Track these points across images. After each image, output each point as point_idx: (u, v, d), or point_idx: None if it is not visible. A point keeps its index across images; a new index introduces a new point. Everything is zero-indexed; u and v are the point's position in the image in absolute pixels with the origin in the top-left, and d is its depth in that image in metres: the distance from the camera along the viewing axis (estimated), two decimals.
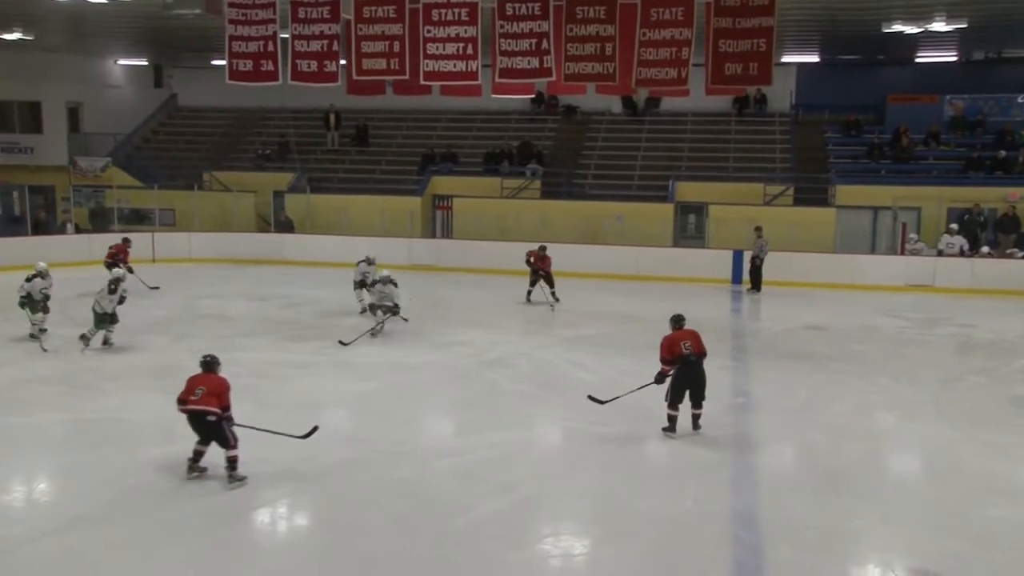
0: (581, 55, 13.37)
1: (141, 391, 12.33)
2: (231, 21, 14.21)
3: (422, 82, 13.93)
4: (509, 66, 13.61)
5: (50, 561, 7.73)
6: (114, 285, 14.11)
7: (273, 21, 14.09)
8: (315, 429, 10.07)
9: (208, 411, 9.19)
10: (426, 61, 13.70)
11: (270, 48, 14.18)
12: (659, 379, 10.60)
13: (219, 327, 16.26)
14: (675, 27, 13.09)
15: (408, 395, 12.55)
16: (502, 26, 13.50)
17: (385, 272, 15.75)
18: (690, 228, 24.08)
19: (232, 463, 9.27)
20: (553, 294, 18.14)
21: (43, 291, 14.67)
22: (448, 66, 13.59)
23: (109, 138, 27.99)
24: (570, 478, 9.71)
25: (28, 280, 14.73)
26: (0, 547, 7.91)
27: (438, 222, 25.24)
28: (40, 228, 24.40)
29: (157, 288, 19.12)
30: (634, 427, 11.07)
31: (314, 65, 14.09)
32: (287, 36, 14.31)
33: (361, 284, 17.15)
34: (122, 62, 29.39)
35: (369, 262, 17.04)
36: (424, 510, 8.75)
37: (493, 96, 14.94)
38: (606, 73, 13.46)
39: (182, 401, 9.35)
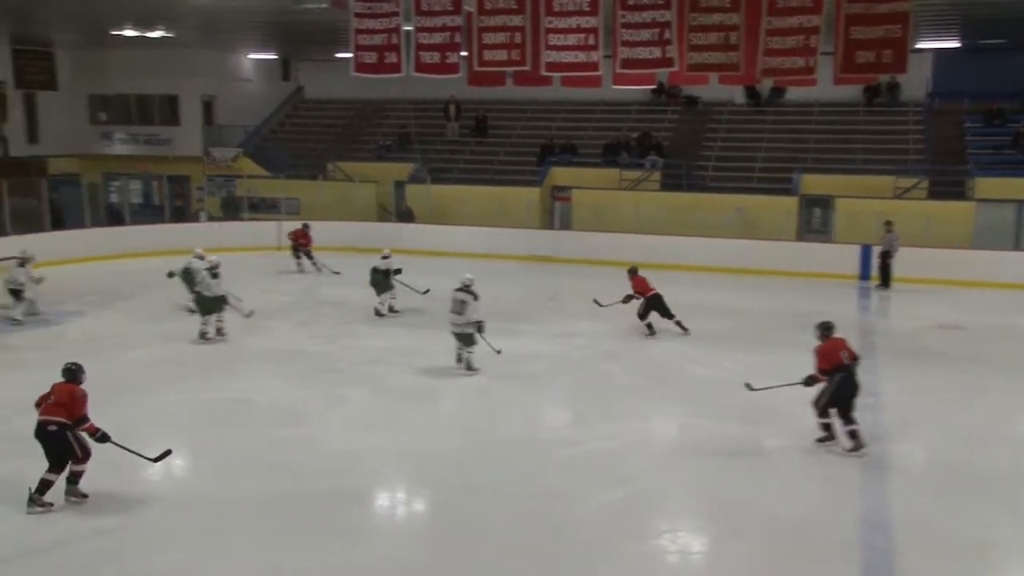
0: (705, 44, 13.10)
1: (266, 375, 12.77)
2: (357, 15, 14.51)
3: (543, 73, 13.90)
4: (630, 56, 13.46)
5: (179, 533, 8.09)
6: (216, 270, 14.49)
7: (397, 14, 14.31)
8: (168, 452, 9.11)
9: (51, 421, 8.46)
10: (547, 52, 13.67)
11: (394, 41, 14.40)
12: (809, 382, 10.14)
13: (339, 314, 16.69)
14: (804, 14, 12.67)
15: (524, 386, 12.60)
16: (624, 16, 13.36)
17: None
18: (815, 222, 23.31)
19: (75, 477, 8.54)
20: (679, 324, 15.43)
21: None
22: (569, 57, 13.54)
23: (240, 129, 29.06)
24: (687, 473, 9.57)
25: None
26: (138, 519, 8.33)
27: (556, 213, 25.21)
28: (176, 216, 25.57)
29: (338, 273, 19.77)
30: (754, 424, 10.82)
31: (436, 57, 14.25)
32: (410, 29, 14.52)
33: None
34: (253, 57, 30.44)
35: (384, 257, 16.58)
36: (541, 499, 8.78)
37: (613, 87, 14.77)
38: (730, 63, 13.15)
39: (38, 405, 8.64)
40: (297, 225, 21.34)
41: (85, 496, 8.56)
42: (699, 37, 13.13)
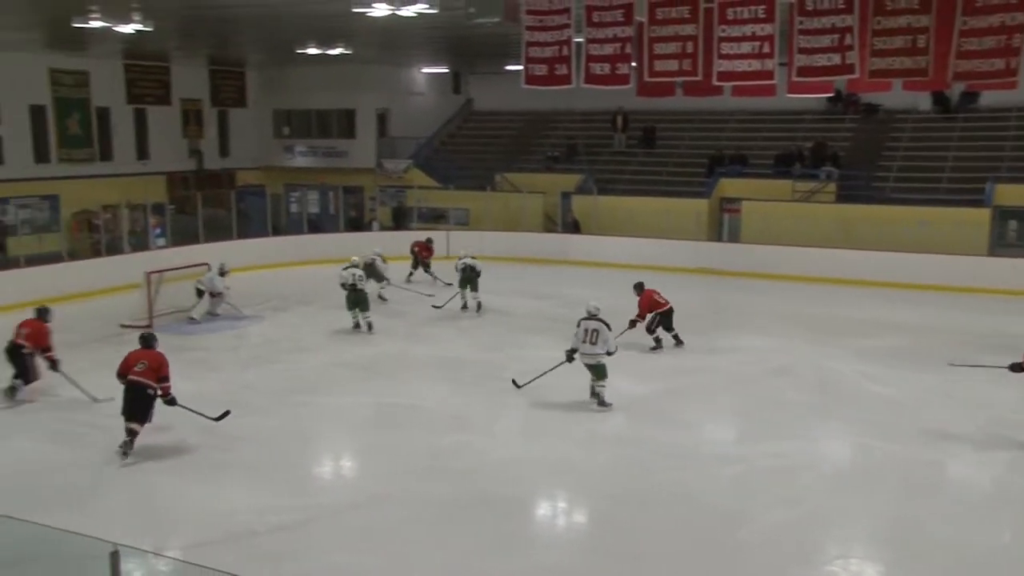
0: (889, 49, 12.45)
1: (431, 380, 13.07)
2: (528, 28, 14.66)
3: (715, 83, 13.60)
4: (808, 64, 12.97)
5: (351, 532, 8.38)
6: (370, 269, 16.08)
7: (568, 26, 14.35)
8: (227, 413, 10.61)
9: (148, 384, 9.93)
10: (719, 61, 13.37)
11: (564, 53, 14.45)
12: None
13: (502, 323, 16.91)
14: (1005, 12, 11.81)
15: (687, 399, 12.37)
16: (801, 22, 12.89)
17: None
18: (1010, 235, 21.76)
19: (134, 434, 9.87)
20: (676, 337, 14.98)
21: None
22: (743, 65, 13.19)
23: (412, 141, 30.00)
24: (861, 496, 9.11)
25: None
26: (311, 515, 8.70)
27: (725, 225, 24.65)
28: (350, 225, 26.65)
29: (450, 284, 20.18)
30: (936, 447, 10.20)
31: (607, 68, 14.19)
32: (580, 40, 14.55)
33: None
34: (425, 71, 31.39)
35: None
36: (704, 516, 8.58)
37: (787, 96, 14.29)
38: (917, 68, 12.44)
39: (122, 375, 9.99)
40: (468, 237, 21.73)
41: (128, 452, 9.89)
42: (883, 41, 12.49)
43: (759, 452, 10.34)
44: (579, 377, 12.75)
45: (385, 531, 8.33)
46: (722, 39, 13.23)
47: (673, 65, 13.71)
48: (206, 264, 17.26)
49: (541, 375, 12.19)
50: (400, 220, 27.29)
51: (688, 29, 13.42)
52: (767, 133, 26.86)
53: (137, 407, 9.93)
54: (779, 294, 19.60)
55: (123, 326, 15.67)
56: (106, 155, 25.95)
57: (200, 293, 16.68)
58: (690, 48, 13.45)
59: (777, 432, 10.96)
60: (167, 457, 10.16)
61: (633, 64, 14.25)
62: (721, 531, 8.27)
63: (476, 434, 11.00)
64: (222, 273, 16.83)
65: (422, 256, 20.97)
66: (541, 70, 14.63)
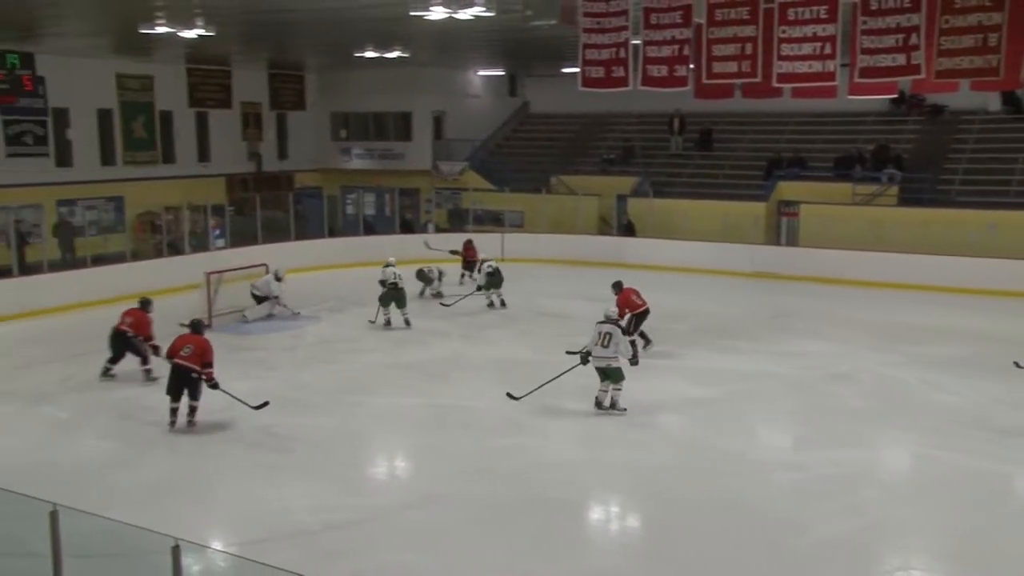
0: (957, 48, 12.13)
1: (486, 382, 13.06)
2: (585, 30, 14.60)
3: (774, 84, 13.40)
4: (871, 64, 12.71)
5: (405, 532, 8.43)
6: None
7: (626, 28, 14.26)
8: (266, 404, 11.22)
9: (193, 368, 10.82)
10: (779, 63, 13.17)
11: (621, 55, 14.36)
12: None
13: (557, 326, 16.85)
14: None
15: (746, 404, 12.20)
16: (865, 22, 12.64)
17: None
18: None
19: (193, 411, 10.97)
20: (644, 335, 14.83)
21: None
22: (803, 67, 12.97)
23: (467, 144, 30.11)
24: (924, 507, 8.92)
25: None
26: (365, 515, 8.78)
27: (783, 229, 24.30)
28: (406, 227, 26.85)
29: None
30: (1005, 459, 9.92)
31: (664, 70, 14.09)
32: (637, 42, 14.47)
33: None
34: (481, 73, 31.49)
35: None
36: (758, 524, 8.46)
37: (848, 97, 14.03)
38: (988, 67, 12.10)
39: (170, 357, 11.02)
40: (522, 239, 21.82)
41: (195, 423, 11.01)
42: (951, 41, 12.18)
43: (818, 460, 10.16)
44: (636, 381, 12.69)
45: (438, 532, 8.36)
46: (782, 40, 13.04)
47: (732, 67, 13.55)
48: (264, 265, 17.52)
49: (548, 382, 11.92)
50: (455, 222, 27.40)
51: (747, 30, 13.25)
52: (827, 135, 26.42)
53: (180, 388, 10.96)
54: (839, 298, 19.25)
55: (182, 325, 15.93)
56: (169, 157, 26.50)
57: (256, 298, 16.92)
58: (749, 49, 13.28)
59: (837, 439, 10.76)
60: (227, 456, 10.35)
61: (691, 66, 14.13)
62: (777, 539, 8.14)
63: (530, 436, 10.99)
64: (278, 278, 17.07)
65: (468, 256, 21.09)
66: (598, 72, 14.58)
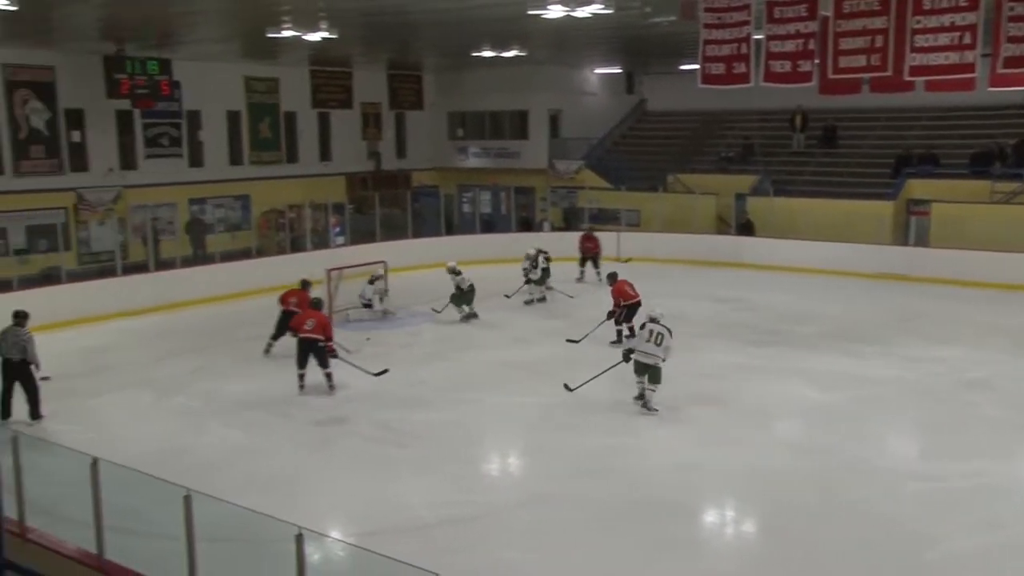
0: None
1: (599, 382, 12.78)
2: (706, 25, 14.30)
3: (906, 78, 12.79)
4: (1016, 54, 11.98)
5: (518, 531, 8.47)
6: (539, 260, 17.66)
7: (748, 23, 13.90)
8: (386, 371, 12.86)
9: (317, 339, 12.32)
10: (912, 55, 12.58)
11: (743, 50, 14.01)
12: None
13: (675, 326, 16.48)
14: None
15: (873, 410, 11.74)
16: (1012, 8, 11.92)
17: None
18: None
19: (329, 377, 12.46)
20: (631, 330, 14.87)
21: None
22: (939, 59, 12.35)
23: (583, 142, 29.99)
24: None
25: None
26: (480, 511, 8.83)
27: (912, 228, 23.28)
28: (526, 225, 26.94)
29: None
30: None
31: (788, 65, 13.65)
32: (759, 37, 14.09)
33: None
34: (598, 71, 31.30)
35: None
36: (888, 537, 8.12)
37: (988, 89, 13.30)
38: None
39: (294, 330, 12.60)
40: (638, 238, 21.54)
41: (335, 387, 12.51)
42: None
43: (951, 471, 9.71)
44: (753, 383, 12.41)
45: (551, 531, 8.34)
46: (916, 31, 12.45)
47: (860, 60, 13.02)
48: (382, 262, 17.84)
49: (597, 376, 12.18)
50: (571, 221, 27.34)
51: (878, 22, 12.70)
52: (962, 130, 25.16)
53: (307, 357, 12.42)
54: (973, 301, 18.33)
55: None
56: (292, 157, 27.31)
57: (367, 306, 17.20)
58: (880, 42, 12.73)
59: (972, 450, 10.25)
60: (346, 449, 10.61)
61: (815, 60, 13.68)
62: (906, 553, 7.81)
63: (644, 437, 10.87)
64: (370, 282, 17.27)
65: (587, 249, 20.91)
66: (718, 69, 14.26)
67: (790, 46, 13.58)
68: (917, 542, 8.00)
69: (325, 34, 18.21)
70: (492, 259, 21.76)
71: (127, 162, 23.04)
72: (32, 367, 11.30)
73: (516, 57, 24.78)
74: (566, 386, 12.36)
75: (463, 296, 17.01)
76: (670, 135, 30.71)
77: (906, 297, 19.07)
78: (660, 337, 11.57)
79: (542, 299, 18.49)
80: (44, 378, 11.85)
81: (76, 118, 21.89)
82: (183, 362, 14.30)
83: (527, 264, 18.47)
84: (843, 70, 13.41)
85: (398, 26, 19.03)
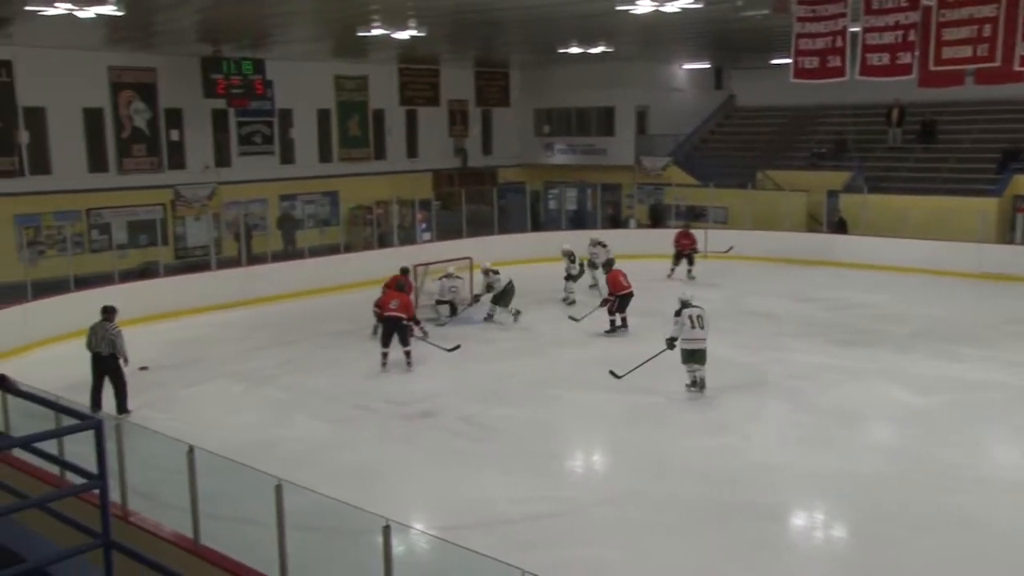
0: None
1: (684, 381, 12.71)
2: (799, 19, 13.96)
3: (1016, 68, 12.27)
4: None
5: (601, 528, 8.43)
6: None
7: (844, 15, 13.51)
8: (458, 347, 13.88)
9: (401, 317, 13.22)
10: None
11: (838, 43, 13.62)
12: None
13: (765, 325, 16.26)
14: None
15: (973, 415, 11.30)
16: None
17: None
18: None
19: (408, 355, 13.36)
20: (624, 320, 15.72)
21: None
22: None
23: (670, 139, 29.62)
24: None
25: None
26: (563, 507, 8.80)
27: (1019, 226, 22.32)
28: (614, 222, 26.77)
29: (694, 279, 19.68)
30: None
31: (886, 58, 13.22)
32: (855, 30, 13.69)
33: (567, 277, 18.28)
34: (686, 66, 30.88)
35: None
36: (989, 544, 7.83)
37: None
38: None
39: (380, 308, 13.67)
40: (726, 235, 21.17)
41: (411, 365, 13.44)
42: None
43: None
44: (845, 386, 12.07)
45: (635, 530, 8.27)
46: None
47: (966, 51, 12.51)
48: (468, 258, 17.92)
49: (643, 363, 12.31)
50: (658, 218, 27.06)
51: (987, 10, 12.17)
52: None
53: (390, 336, 13.34)
54: None
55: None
56: (380, 154, 27.68)
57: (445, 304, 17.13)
58: (988, 31, 12.20)
59: None
60: (431, 443, 10.68)
61: (915, 52, 13.21)
62: (1012, 564, 7.48)
63: (732, 437, 10.67)
64: (444, 278, 17.08)
65: (684, 246, 20.64)
66: (812, 63, 13.90)
67: (889, 38, 13.16)
68: (1017, 552, 7.66)
69: (414, 32, 18.41)
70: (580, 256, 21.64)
71: (221, 159, 23.69)
72: (120, 361, 11.45)
73: (603, 53, 24.61)
74: (612, 372, 12.58)
75: (503, 296, 16.78)
76: (759, 131, 30.11)
77: (1010, 298, 18.29)
78: (700, 319, 11.81)
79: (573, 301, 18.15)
80: (142, 368, 12.20)
81: (175, 117, 22.61)
82: (271, 355, 14.63)
83: (569, 262, 18.47)
84: (946, 61, 12.91)
85: (486, 23, 19.11)
